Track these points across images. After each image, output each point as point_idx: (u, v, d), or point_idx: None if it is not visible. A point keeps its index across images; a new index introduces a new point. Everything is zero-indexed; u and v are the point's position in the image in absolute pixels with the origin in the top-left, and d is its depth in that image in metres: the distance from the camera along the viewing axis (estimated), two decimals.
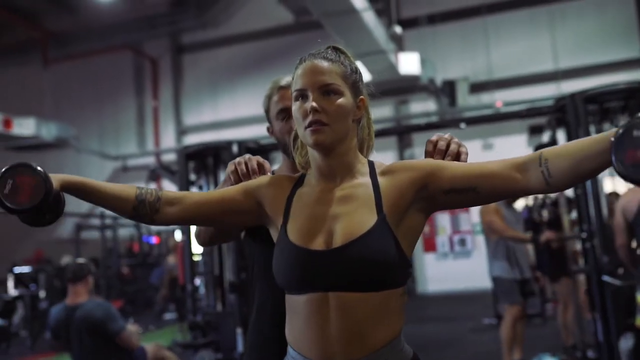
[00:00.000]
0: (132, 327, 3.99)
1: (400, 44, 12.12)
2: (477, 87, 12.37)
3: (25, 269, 8.49)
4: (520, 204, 8.99)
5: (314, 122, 1.21)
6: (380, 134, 7.37)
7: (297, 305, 1.21)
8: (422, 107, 12.69)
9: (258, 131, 12.94)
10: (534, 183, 1.11)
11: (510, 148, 11.53)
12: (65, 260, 11.45)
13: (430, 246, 12.77)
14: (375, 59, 9.74)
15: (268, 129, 1.81)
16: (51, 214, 1.22)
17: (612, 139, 0.95)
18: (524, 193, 1.16)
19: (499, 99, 11.83)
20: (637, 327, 3.63)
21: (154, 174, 6.18)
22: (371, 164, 1.31)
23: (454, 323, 7.98)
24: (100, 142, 15.06)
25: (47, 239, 14.78)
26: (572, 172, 1.06)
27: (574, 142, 1.07)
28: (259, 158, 1.46)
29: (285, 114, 1.72)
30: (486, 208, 4.90)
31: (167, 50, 15.20)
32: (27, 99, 14.46)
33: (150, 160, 14.67)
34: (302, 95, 1.25)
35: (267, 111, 1.79)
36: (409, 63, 10.40)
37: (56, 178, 1.16)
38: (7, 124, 12.14)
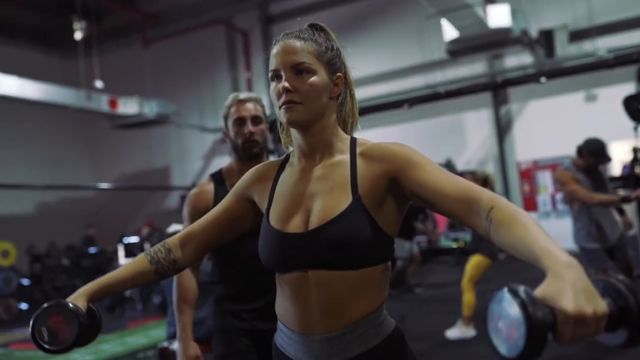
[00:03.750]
0: None
1: None
2: (578, 35, 11.54)
3: (133, 239, 9.10)
4: (621, 158, 8.38)
5: (286, 102, 1.22)
6: (465, 92, 7.14)
7: (281, 282, 1.27)
8: (517, 60, 12.08)
9: None
10: (478, 228, 1.09)
11: (616, 99, 10.73)
12: (173, 228, 12.16)
13: (530, 205, 12.28)
14: (461, 14, 9.36)
15: (224, 133, 2.21)
16: (92, 330, 1.27)
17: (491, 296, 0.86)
18: (470, 228, 1.13)
19: (603, 46, 10.99)
20: None
21: None
22: (353, 142, 1.30)
23: None
24: (199, 116, 15.69)
25: (156, 211, 15.75)
26: (505, 246, 1.00)
27: (522, 224, 0.97)
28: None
29: (240, 121, 2.13)
30: (562, 178, 4.59)
31: (257, 22, 15.44)
32: (129, 79, 15.30)
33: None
34: (276, 76, 1.26)
35: (225, 117, 2.17)
36: (498, 15, 9.89)
37: (80, 297, 1.24)
38: (113, 104, 12.92)
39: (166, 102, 13.97)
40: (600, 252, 4.52)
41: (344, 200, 1.19)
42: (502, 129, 12.63)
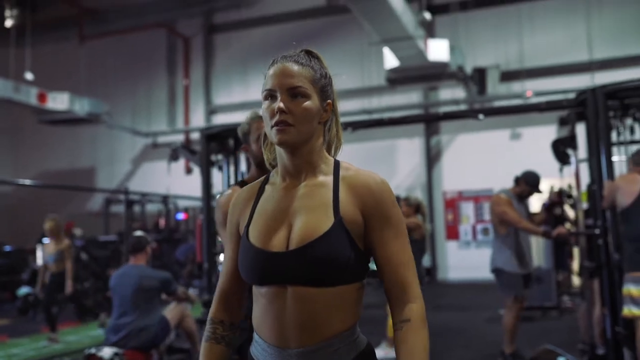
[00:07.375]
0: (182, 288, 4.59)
1: (430, 31, 12.00)
2: (508, 76, 12.18)
3: None
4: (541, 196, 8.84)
5: (279, 122, 1.27)
6: (407, 121, 7.37)
7: (258, 295, 1.30)
8: (451, 94, 12.58)
9: None
10: (392, 317, 1.33)
11: (539, 139, 11.37)
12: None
13: (452, 234, 12.74)
14: (403, 44, 9.68)
15: (243, 148, 2.32)
16: None
17: None
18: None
19: (531, 88, 11.65)
20: (625, 316, 3.68)
21: (175, 154, 6.31)
22: (336, 165, 1.36)
23: (471, 312, 8.00)
24: (132, 118, 15.32)
25: (78, 213, 15.17)
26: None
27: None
28: None
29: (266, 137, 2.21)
30: (498, 199, 4.87)
31: (200, 29, 15.33)
32: (62, 75, 14.79)
33: (179, 137, 14.89)
34: (271, 96, 1.30)
35: (246, 133, 2.28)
36: (437, 50, 10.30)
37: None
38: (42, 98, 12.43)
39: (98, 101, 13.56)
40: (519, 278, 4.79)
41: (326, 221, 1.25)
42: (432, 158, 13.08)
